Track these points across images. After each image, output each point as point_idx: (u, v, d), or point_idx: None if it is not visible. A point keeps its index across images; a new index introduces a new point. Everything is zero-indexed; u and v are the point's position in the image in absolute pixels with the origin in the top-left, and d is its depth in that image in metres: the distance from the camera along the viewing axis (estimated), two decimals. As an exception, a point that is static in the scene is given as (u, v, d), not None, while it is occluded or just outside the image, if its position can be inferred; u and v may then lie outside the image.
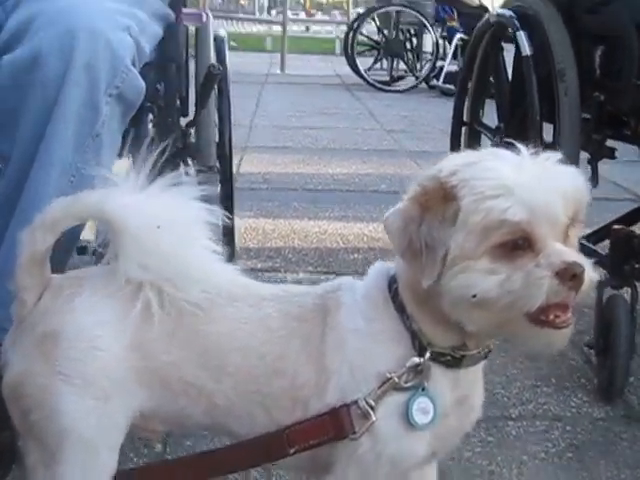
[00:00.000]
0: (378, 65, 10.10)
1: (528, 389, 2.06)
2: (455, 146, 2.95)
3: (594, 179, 2.39)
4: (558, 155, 1.11)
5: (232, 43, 16.39)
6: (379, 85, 9.08)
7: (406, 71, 9.76)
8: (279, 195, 3.97)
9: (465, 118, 2.91)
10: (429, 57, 9.37)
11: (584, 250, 2.69)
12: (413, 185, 1.13)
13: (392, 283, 1.20)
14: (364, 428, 1.12)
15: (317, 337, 1.17)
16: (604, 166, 2.25)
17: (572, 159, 2.14)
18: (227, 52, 2.54)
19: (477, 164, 1.10)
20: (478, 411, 1.22)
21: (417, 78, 9.43)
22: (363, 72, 9.13)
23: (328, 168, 4.63)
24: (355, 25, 9.48)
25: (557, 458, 1.77)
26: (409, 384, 1.14)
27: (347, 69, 9.60)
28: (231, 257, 2.02)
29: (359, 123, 6.60)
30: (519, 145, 1.12)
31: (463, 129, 2.93)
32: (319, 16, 23.21)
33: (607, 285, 2.03)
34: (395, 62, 9.71)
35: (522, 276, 1.07)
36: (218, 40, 2.50)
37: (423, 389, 1.14)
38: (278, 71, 11.13)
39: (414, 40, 9.87)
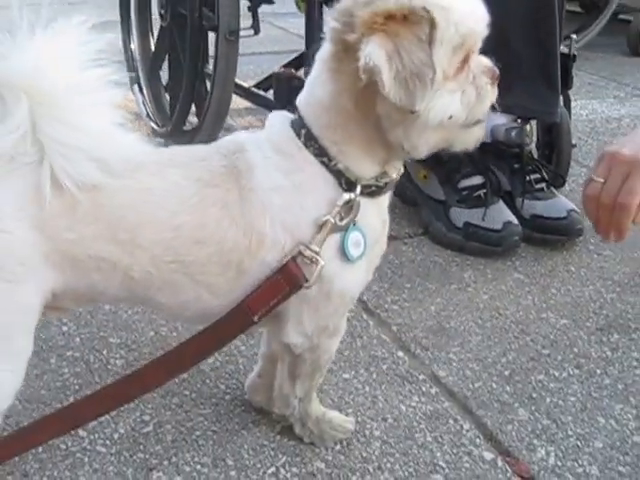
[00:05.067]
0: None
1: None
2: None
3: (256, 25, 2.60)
4: None
5: None
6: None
7: None
8: None
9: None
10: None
11: (255, 96, 2.65)
12: (359, 18, 1.06)
13: (299, 129, 1.18)
14: (315, 274, 1.15)
15: (235, 202, 1.14)
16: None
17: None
18: None
19: None
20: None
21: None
22: None
23: None
24: None
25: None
26: (344, 222, 1.17)
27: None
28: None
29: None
30: None
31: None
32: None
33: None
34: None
35: (473, 88, 1.14)
36: None
37: (354, 224, 1.18)
38: None
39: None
